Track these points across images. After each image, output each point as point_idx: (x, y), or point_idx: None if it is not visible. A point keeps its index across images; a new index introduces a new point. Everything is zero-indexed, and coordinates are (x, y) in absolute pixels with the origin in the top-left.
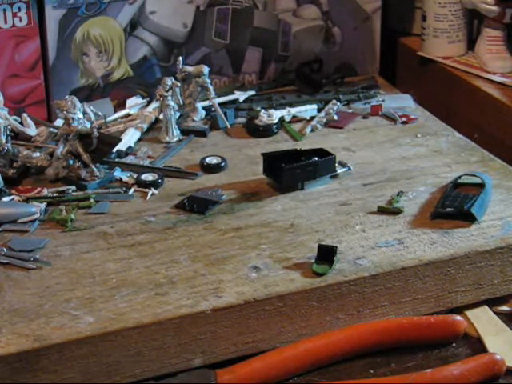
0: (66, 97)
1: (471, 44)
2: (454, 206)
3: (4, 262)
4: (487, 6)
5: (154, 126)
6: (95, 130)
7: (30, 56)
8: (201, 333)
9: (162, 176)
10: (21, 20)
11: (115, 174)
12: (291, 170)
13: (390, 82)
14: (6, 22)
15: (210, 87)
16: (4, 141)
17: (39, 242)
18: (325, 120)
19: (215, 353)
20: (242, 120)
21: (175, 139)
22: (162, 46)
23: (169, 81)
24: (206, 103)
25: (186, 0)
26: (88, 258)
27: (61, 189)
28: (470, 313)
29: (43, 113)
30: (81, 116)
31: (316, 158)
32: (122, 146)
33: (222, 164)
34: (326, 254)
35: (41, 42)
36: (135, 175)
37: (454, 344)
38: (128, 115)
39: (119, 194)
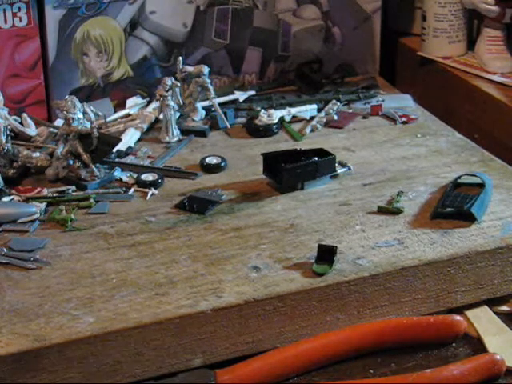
0: (66, 97)
1: (471, 44)
2: (454, 206)
3: (4, 261)
4: (487, 6)
5: (154, 125)
6: (95, 129)
7: (30, 56)
8: (201, 333)
9: (161, 176)
10: (21, 20)
11: (115, 173)
12: (291, 170)
13: (390, 82)
14: (6, 22)
15: (210, 87)
16: (4, 141)
17: (39, 242)
18: (325, 120)
19: (215, 353)
20: (242, 120)
21: (175, 139)
22: (162, 46)
23: (169, 81)
24: (206, 103)
25: (186, 0)
26: (88, 258)
27: (61, 189)
28: (470, 313)
29: (43, 113)
30: (81, 116)
31: (316, 158)
32: (121, 146)
33: (222, 164)
34: (326, 254)
35: (41, 42)
36: (135, 175)
37: (454, 344)
38: (128, 115)
39: (119, 194)
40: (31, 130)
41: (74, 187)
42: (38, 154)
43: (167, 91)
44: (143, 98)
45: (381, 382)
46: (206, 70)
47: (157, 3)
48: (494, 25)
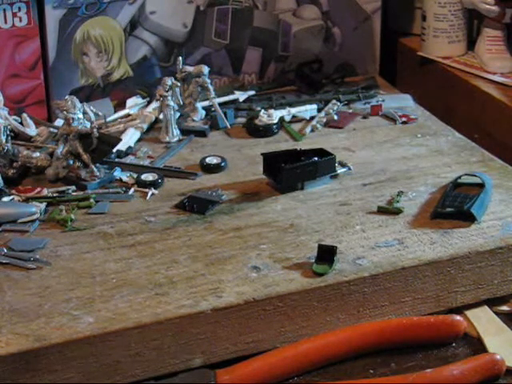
0: (66, 97)
1: (471, 44)
2: (454, 205)
3: (4, 261)
4: (487, 6)
5: (154, 126)
6: (95, 130)
7: (30, 56)
8: (201, 333)
9: (161, 176)
10: (21, 20)
11: (115, 173)
12: (291, 170)
13: (390, 82)
14: (6, 22)
15: (210, 87)
16: (4, 141)
17: (39, 242)
18: (325, 120)
19: (215, 353)
20: (242, 120)
21: (175, 139)
22: (162, 46)
23: (169, 81)
24: (206, 103)
25: (186, 0)
26: (88, 258)
27: (61, 189)
28: (469, 313)
29: (43, 113)
30: (81, 116)
31: (316, 158)
32: (121, 146)
33: (222, 164)
34: (326, 254)
35: (41, 42)
36: (135, 175)
37: (454, 344)
38: (128, 115)
39: (119, 194)
40: (31, 130)
41: (74, 187)
42: (37, 154)
43: (167, 91)
44: (143, 98)
45: (381, 382)
46: (205, 70)
47: (157, 3)
48: (494, 25)
